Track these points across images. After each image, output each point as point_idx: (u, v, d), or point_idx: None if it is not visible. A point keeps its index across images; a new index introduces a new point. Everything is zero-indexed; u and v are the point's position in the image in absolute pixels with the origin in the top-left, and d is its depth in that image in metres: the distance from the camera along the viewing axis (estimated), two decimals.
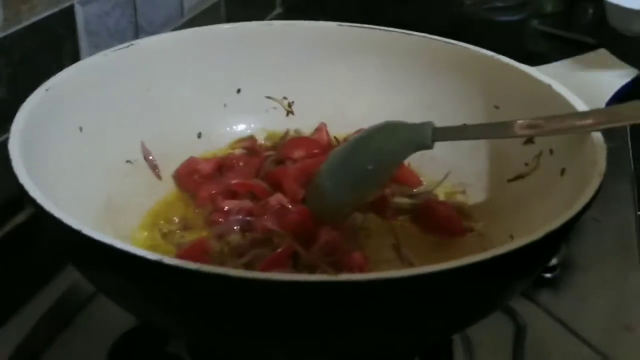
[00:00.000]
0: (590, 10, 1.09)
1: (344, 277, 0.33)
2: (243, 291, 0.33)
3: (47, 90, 0.46)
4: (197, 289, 0.34)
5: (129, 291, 0.37)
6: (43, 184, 0.39)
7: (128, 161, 0.53)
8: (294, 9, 1.04)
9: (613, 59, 0.51)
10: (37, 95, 0.46)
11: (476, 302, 0.39)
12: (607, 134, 0.46)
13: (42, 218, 0.37)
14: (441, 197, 0.55)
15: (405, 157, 0.50)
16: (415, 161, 0.56)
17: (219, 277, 0.32)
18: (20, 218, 0.62)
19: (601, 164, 0.43)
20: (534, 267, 0.41)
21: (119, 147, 0.52)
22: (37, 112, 0.45)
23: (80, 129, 0.49)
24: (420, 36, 0.58)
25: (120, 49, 0.53)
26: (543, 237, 0.37)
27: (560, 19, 1.03)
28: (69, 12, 0.63)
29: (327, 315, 0.36)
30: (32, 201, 0.36)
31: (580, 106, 0.48)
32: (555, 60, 0.59)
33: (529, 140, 0.51)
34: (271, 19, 1.02)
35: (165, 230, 0.51)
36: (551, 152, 0.49)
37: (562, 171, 0.47)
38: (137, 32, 0.73)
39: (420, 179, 0.57)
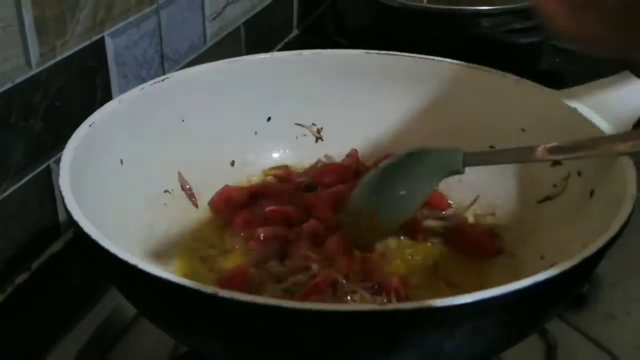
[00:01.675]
0: None
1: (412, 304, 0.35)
2: (297, 321, 0.35)
3: (90, 125, 0.48)
4: (252, 320, 0.35)
5: (183, 322, 0.38)
6: (91, 216, 0.41)
7: (166, 191, 0.54)
8: (310, 32, 1.06)
9: (638, 81, 0.52)
10: (82, 130, 0.47)
11: (516, 327, 0.41)
12: None
13: (98, 254, 0.38)
14: (470, 220, 0.56)
15: (437, 182, 0.51)
16: (443, 184, 0.57)
17: (275, 309, 0.34)
18: (56, 247, 0.64)
19: (631, 186, 0.44)
20: (572, 290, 0.42)
21: (158, 177, 0.54)
22: (82, 147, 0.46)
23: (122, 161, 0.50)
24: (443, 61, 0.59)
25: (156, 82, 0.54)
26: (583, 260, 0.38)
27: None
28: (100, 45, 0.65)
29: (375, 342, 0.37)
30: (89, 240, 0.38)
31: (607, 129, 0.49)
32: (573, 78, 0.60)
33: (557, 162, 0.52)
34: (288, 42, 1.04)
35: (203, 257, 0.53)
36: (579, 174, 0.51)
37: (591, 193, 0.49)
38: (163, 60, 0.75)
39: (449, 202, 0.58)
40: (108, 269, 0.41)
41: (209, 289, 0.34)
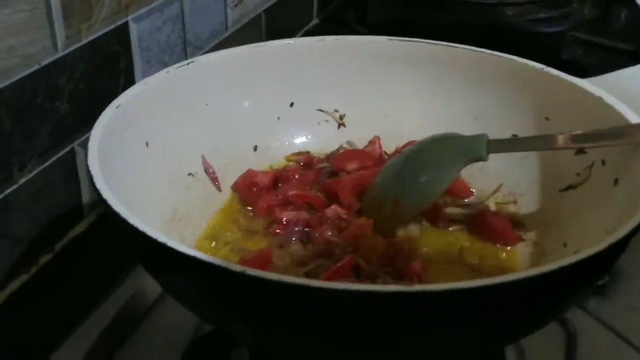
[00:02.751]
0: (623, 16, 1.09)
1: (418, 287, 0.35)
2: (323, 301, 0.35)
3: (117, 107, 0.48)
4: (278, 300, 0.35)
5: (209, 301, 0.39)
6: (118, 197, 0.41)
7: (190, 174, 0.55)
8: (330, 20, 1.06)
9: None
10: (109, 111, 0.48)
11: (538, 313, 0.41)
12: None
13: (126, 232, 0.38)
14: (492, 208, 0.56)
15: (460, 169, 0.51)
16: (465, 172, 0.57)
17: (303, 288, 0.34)
18: (80, 228, 0.65)
19: None
20: (595, 278, 0.42)
21: (182, 160, 0.54)
22: (109, 128, 0.47)
23: (147, 143, 0.51)
24: (467, 49, 0.59)
25: (181, 66, 0.54)
26: (607, 247, 0.38)
27: (594, 26, 1.03)
28: (124, 29, 0.66)
29: (397, 325, 0.37)
30: (118, 217, 0.38)
31: (633, 118, 0.49)
32: (594, 69, 0.60)
33: (581, 151, 0.52)
34: (308, 30, 1.04)
35: (226, 240, 0.53)
36: (603, 162, 0.50)
37: (616, 181, 0.48)
38: (185, 46, 0.76)
39: (471, 189, 0.58)
40: (136, 247, 0.41)
41: (237, 267, 0.35)
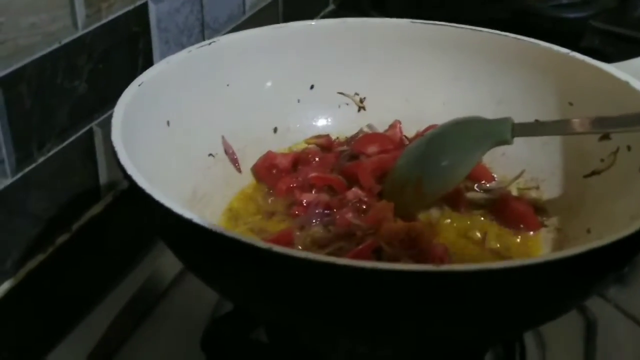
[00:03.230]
0: None
1: (445, 267, 0.35)
2: (348, 280, 0.35)
3: (140, 85, 0.48)
4: (305, 278, 0.35)
5: (233, 278, 0.38)
6: (140, 173, 0.41)
7: (210, 154, 0.54)
8: (346, 6, 1.05)
9: None
10: (132, 89, 0.47)
11: (560, 298, 0.40)
12: None
13: (150, 208, 0.38)
14: (514, 193, 0.56)
15: (484, 152, 0.51)
16: (487, 157, 0.56)
17: (329, 266, 0.34)
18: (97, 209, 0.65)
19: None
20: (621, 264, 0.42)
21: (202, 141, 0.54)
22: (132, 106, 0.46)
23: (168, 123, 0.50)
24: (491, 33, 0.58)
25: (202, 45, 0.54)
26: (634, 233, 0.37)
27: (611, 15, 1.02)
28: (143, 10, 0.65)
29: (421, 305, 0.37)
30: (143, 193, 0.38)
31: None
32: (613, 59, 0.60)
33: (605, 136, 0.51)
34: (324, 16, 1.03)
35: (246, 221, 0.53)
36: (629, 148, 0.50)
37: None
38: (203, 28, 0.75)
39: (493, 175, 0.57)
40: (159, 224, 0.41)
41: (263, 244, 0.35)
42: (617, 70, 0.52)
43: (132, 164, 0.41)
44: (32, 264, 0.58)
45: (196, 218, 0.36)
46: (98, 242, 0.62)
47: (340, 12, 1.04)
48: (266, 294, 0.38)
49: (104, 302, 0.55)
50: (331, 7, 1.05)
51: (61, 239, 0.61)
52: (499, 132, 0.49)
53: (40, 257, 0.59)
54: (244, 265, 0.36)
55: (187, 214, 0.36)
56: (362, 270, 0.34)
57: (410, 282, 0.35)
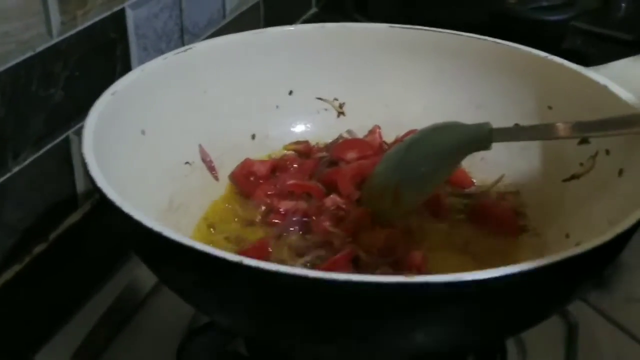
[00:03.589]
0: (624, 6, 1.08)
1: (420, 278, 0.34)
2: (321, 292, 0.34)
3: (113, 94, 0.47)
4: (276, 291, 0.35)
5: (205, 291, 0.38)
6: (113, 185, 0.40)
7: (187, 163, 0.54)
8: (329, 9, 1.05)
9: None
10: (105, 98, 0.47)
11: (542, 304, 0.40)
12: None
13: (121, 221, 0.38)
14: (494, 198, 0.55)
15: (462, 158, 0.50)
16: (467, 162, 0.56)
17: (299, 279, 0.33)
18: (74, 218, 0.64)
19: None
20: (599, 269, 0.41)
21: (179, 149, 0.53)
22: (105, 116, 0.46)
23: (143, 131, 0.50)
24: (470, 37, 0.58)
25: (179, 52, 0.53)
26: (612, 238, 0.37)
27: (594, 16, 1.02)
28: (121, 16, 0.65)
29: (396, 316, 0.36)
30: (113, 206, 0.37)
31: (638, 107, 0.48)
32: (595, 60, 0.60)
33: (584, 140, 0.51)
34: (307, 18, 1.03)
35: (223, 230, 0.52)
36: (607, 152, 0.50)
37: (620, 172, 0.48)
38: (183, 33, 0.74)
39: (472, 180, 0.57)
40: (131, 237, 0.40)
41: (234, 256, 0.34)
42: (595, 74, 0.52)
43: (104, 175, 0.40)
44: (8, 275, 0.57)
45: (166, 231, 0.35)
46: (76, 251, 0.61)
47: (323, 15, 1.03)
48: (239, 307, 0.37)
49: (81, 312, 0.54)
50: (314, 9, 1.05)
51: (38, 249, 0.60)
52: (477, 137, 0.49)
53: (16, 268, 0.58)
54: (216, 279, 0.36)
55: (156, 227, 0.35)
56: (334, 282, 0.33)
57: (382, 293, 0.34)
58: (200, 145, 0.55)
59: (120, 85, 0.48)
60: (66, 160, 0.62)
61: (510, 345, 0.52)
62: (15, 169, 0.56)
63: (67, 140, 0.61)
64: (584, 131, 0.48)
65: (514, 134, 0.51)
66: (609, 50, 0.91)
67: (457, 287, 0.34)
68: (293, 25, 0.60)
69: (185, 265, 0.36)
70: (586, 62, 0.56)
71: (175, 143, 0.53)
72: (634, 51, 0.57)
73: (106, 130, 0.46)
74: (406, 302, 0.35)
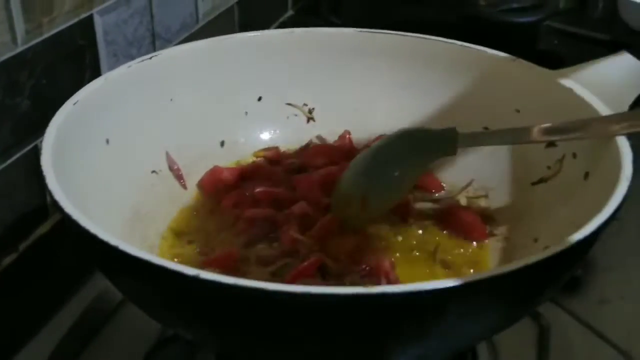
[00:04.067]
0: (601, 5, 1.09)
1: (382, 289, 0.34)
2: (280, 305, 0.34)
3: (74, 104, 0.47)
4: (235, 303, 0.34)
5: (165, 305, 0.38)
6: (74, 196, 0.40)
7: (154, 171, 0.53)
8: (305, 11, 1.04)
9: (636, 61, 0.52)
10: (66, 108, 0.46)
11: (508, 310, 0.40)
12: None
13: (80, 235, 0.37)
14: (463, 202, 0.55)
15: (429, 163, 0.50)
16: (436, 166, 0.56)
17: (258, 292, 0.33)
18: (44, 228, 0.63)
19: (627, 168, 0.43)
20: (565, 273, 0.41)
21: (145, 157, 0.53)
22: (66, 126, 0.46)
23: (107, 141, 0.49)
24: (438, 40, 0.58)
25: (143, 60, 0.53)
26: (575, 243, 0.37)
27: (571, 16, 1.03)
28: (89, 22, 0.64)
29: (360, 327, 0.36)
30: (70, 220, 0.37)
31: (603, 110, 0.49)
32: (571, 60, 0.60)
33: (551, 144, 0.51)
34: (283, 21, 1.02)
35: (191, 239, 0.52)
36: (574, 155, 0.50)
37: (586, 175, 0.48)
38: (154, 39, 0.74)
39: (442, 184, 0.57)
40: (90, 251, 0.40)
41: (191, 270, 0.34)
42: (562, 77, 0.52)
43: (66, 187, 0.40)
44: None
45: (122, 245, 0.35)
46: (46, 261, 0.61)
47: (298, 18, 1.03)
48: (200, 321, 0.37)
49: (51, 323, 0.53)
50: (290, 13, 1.05)
51: (8, 260, 0.60)
52: (444, 143, 0.49)
53: None
54: (173, 293, 0.35)
55: (112, 240, 0.35)
56: (291, 295, 0.33)
57: (342, 305, 0.34)
58: (167, 153, 0.54)
59: (83, 94, 0.48)
60: (35, 170, 0.60)
61: (482, 348, 0.52)
62: None
63: (35, 150, 0.60)
64: (548, 135, 0.48)
65: (480, 138, 0.51)
66: (586, 51, 0.91)
67: (419, 296, 0.34)
68: (260, 31, 0.59)
69: (144, 279, 0.36)
70: (562, 62, 0.56)
71: (141, 152, 0.52)
72: (611, 51, 0.57)
73: (69, 141, 0.45)
74: (369, 312, 0.35)
